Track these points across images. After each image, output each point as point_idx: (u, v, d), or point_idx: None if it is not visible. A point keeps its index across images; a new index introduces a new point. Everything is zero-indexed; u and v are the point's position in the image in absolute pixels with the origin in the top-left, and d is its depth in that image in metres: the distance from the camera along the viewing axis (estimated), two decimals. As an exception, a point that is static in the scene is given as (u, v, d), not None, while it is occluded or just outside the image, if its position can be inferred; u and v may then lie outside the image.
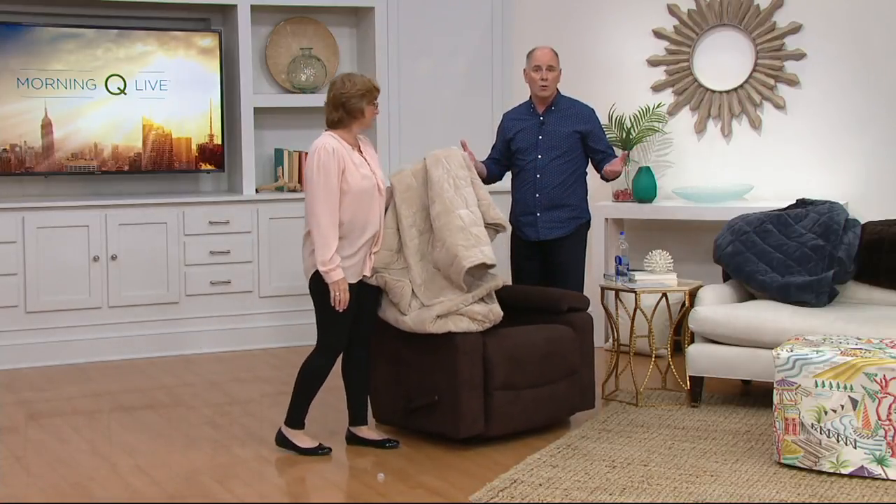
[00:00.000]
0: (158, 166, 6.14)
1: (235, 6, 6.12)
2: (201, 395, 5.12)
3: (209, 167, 6.25)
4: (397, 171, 4.44)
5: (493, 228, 4.38)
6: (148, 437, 4.45)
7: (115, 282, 5.86)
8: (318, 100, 6.39)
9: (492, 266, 4.23)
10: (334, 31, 6.54)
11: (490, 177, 5.01)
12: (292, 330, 6.21)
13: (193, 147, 6.19)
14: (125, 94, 6.01)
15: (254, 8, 6.16)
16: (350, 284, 4.11)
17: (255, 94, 6.24)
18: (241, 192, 6.19)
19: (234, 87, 6.22)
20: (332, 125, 4.20)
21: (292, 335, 6.20)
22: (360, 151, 4.21)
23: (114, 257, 5.85)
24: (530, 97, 5.05)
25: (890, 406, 3.72)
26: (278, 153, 6.39)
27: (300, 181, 6.35)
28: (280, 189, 6.31)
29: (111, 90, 5.99)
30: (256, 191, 6.23)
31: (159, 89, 6.07)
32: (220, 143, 6.22)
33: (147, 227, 5.93)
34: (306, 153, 6.27)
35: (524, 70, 5.01)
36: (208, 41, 6.17)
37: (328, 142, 4.10)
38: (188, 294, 6.02)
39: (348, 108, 4.14)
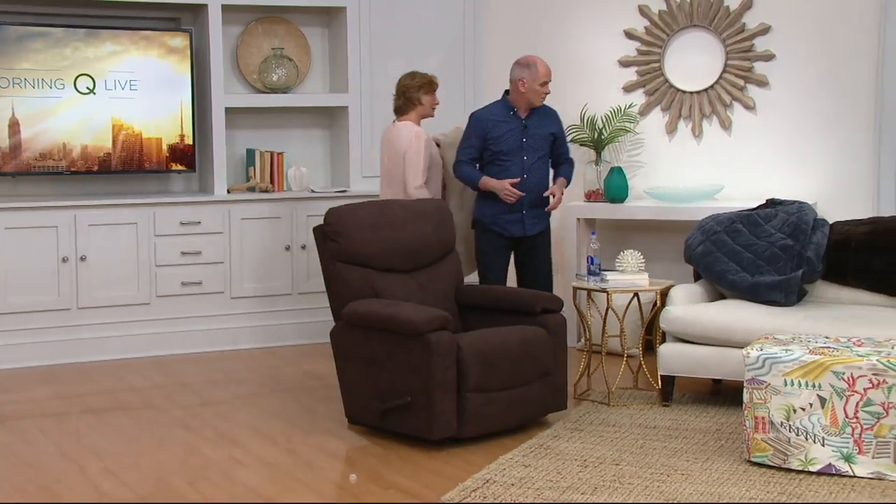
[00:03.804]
0: (128, 167, 6.09)
1: (206, 6, 6.08)
2: (172, 397, 5.08)
3: (180, 167, 6.20)
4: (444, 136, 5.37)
5: None
6: (117, 439, 4.41)
7: (85, 283, 5.81)
8: (290, 100, 6.41)
9: None
10: (306, 30, 6.52)
11: None
12: (264, 331, 6.18)
13: (164, 147, 6.14)
14: (94, 93, 5.96)
15: (225, 8, 6.13)
16: None
17: (226, 94, 6.21)
18: (212, 192, 6.16)
19: (205, 86, 6.19)
20: (397, 111, 5.32)
21: (264, 336, 6.18)
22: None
23: (83, 258, 5.80)
24: (507, 99, 5.07)
25: (857, 404, 3.76)
26: (250, 153, 6.36)
27: (272, 181, 6.33)
28: (252, 189, 6.28)
29: (80, 90, 5.94)
30: (228, 191, 6.20)
31: (129, 89, 6.03)
32: (191, 143, 6.19)
33: (117, 228, 5.88)
34: (279, 153, 6.36)
35: (521, 79, 5.10)
36: (178, 41, 6.13)
37: (419, 132, 5.23)
38: (159, 295, 5.98)
39: (408, 97, 5.25)
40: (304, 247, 6.21)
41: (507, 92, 5.24)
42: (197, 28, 6.25)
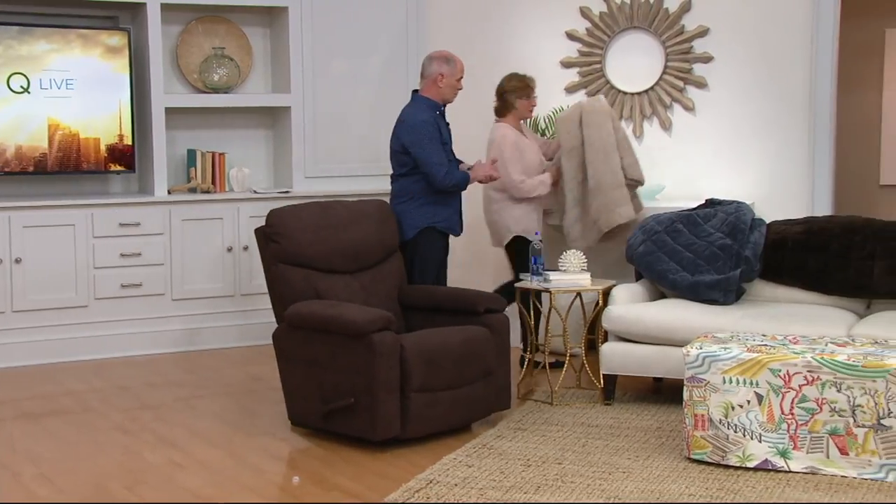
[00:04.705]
0: (65, 167, 5.98)
1: (144, 4, 6.00)
2: (111, 401, 5.00)
3: (119, 168, 6.11)
4: (563, 124, 5.44)
5: (630, 185, 5.40)
6: (54, 444, 4.33)
7: (20, 286, 5.69)
8: (232, 100, 6.35)
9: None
10: (247, 30, 6.46)
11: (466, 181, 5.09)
12: (206, 333, 6.11)
13: (102, 147, 6.04)
14: (29, 92, 5.84)
15: (164, 6, 6.05)
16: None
17: (166, 93, 6.12)
18: (152, 193, 6.08)
19: (144, 86, 6.10)
20: (496, 112, 5.49)
21: (205, 338, 6.11)
22: (524, 134, 5.46)
23: (18, 260, 5.68)
24: (428, 98, 5.01)
25: (792, 401, 3.83)
26: (191, 154, 6.28)
27: (213, 182, 6.27)
28: (193, 190, 6.21)
29: (13, 88, 5.82)
30: (168, 192, 6.12)
31: (65, 88, 5.92)
32: (130, 143, 6.09)
33: (54, 230, 5.77)
34: (220, 154, 6.29)
35: (441, 74, 4.98)
36: (116, 40, 6.03)
37: (509, 133, 5.38)
38: (97, 297, 5.88)
39: (504, 100, 5.42)
40: (246, 248, 6.16)
41: (415, 92, 5.12)
42: (135, 27, 6.16)
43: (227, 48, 6.37)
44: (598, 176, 5.38)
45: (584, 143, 5.40)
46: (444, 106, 5.07)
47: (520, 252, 5.35)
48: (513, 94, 5.43)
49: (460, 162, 5.15)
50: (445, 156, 4.95)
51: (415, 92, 5.12)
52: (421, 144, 4.89)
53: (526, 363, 5.09)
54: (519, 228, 5.45)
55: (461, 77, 5.06)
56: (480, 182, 5.17)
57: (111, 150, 6.06)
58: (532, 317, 4.99)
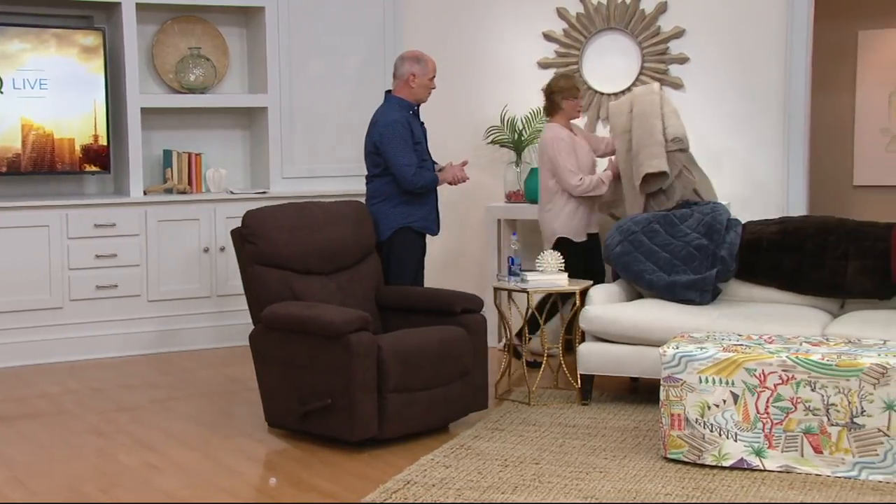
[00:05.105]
0: (39, 168, 5.93)
1: (119, 4, 5.96)
2: (86, 403, 4.97)
3: (94, 168, 6.07)
4: (615, 109, 5.49)
5: (673, 146, 5.32)
6: (27, 447, 4.29)
7: (-6, 287, 5.65)
8: (208, 100, 6.32)
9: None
10: (224, 30, 6.43)
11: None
12: (182, 334, 6.08)
13: (77, 148, 6.00)
14: (2, 92, 5.79)
15: (139, 6, 6.01)
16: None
17: (142, 94, 6.09)
18: (128, 194, 6.04)
19: (119, 86, 6.06)
20: (545, 112, 5.55)
21: (182, 340, 6.08)
22: (574, 133, 5.46)
23: (-8, 262, 5.64)
24: (401, 98, 5.00)
25: (768, 400, 3.85)
26: (167, 154, 6.25)
27: (190, 183, 6.24)
28: (169, 191, 6.17)
29: (-13, 88, 5.78)
30: (144, 193, 6.08)
31: (39, 88, 5.87)
32: (105, 143, 6.05)
33: (28, 231, 5.72)
34: (197, 154, 6.26)
35: (413, 74, 4.98)
36: (91, 39, 5.99)
37: (560, 133, 5.38)
38: (72, 299, 5.84)
39: (552, 100, 5.43)
40: (223, 249, 6.13)
41: (388, 92, 5.11)
42: (110, 27, 6.12)
43: (203, 48, 6.34)
44: (637, 140, 5.31)
45: (632, 121, 5.38)
46: (418, 106, 5.07)
47: (566, 254, 5.18)
48: (559, 95, 5.41)
49: (435, 163, 5.15)
50: (416, 156, 4.93)
51: (388, 92, 5.11)
52: (390, 144, 4.89)
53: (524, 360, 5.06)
54: (564, 230, 5.41)
55: (433, 76, 5.05)
56: (450, 184, 5.15)
57: (86, 150, 6.02)
58: (543, 318, 5.01)
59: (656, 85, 5.62)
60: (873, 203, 7.24)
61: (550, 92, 5.46)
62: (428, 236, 5.11)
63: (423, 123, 5.10)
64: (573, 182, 5.33)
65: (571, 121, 5.53)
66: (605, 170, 5.48)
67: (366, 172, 5.10)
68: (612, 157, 5.56)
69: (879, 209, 6.94)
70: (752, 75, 5.86)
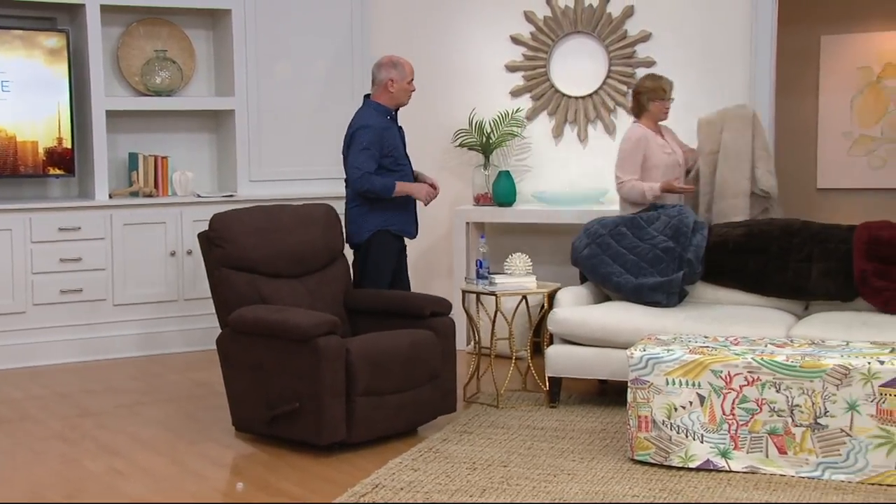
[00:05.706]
0: (2, 171, 5.86)
1: (83, 5, 5.90)
2: (50, 408, 4.91)
3: (58, 172, 6.00)
4: (705, 128, 5.46)
5: (760, 195, 5.35)
6: (-9, 454, 4.24)
7: (-44, 292, 5.58)
8: (175, 103, 6.27)
9: None
10: (190, 32, 6.39)
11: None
12: (148, 339, 6.04)
13: (40, 151, 5.93)
14: (-36, 94, 5.73)
15: (104, 8, 5.96)
16: None
17: (107, 96, 6.03)
18: (93, 197, 5.98)
19: (84, 89, 6.00)
20: (633, 113, 5.40)
21: (148, 344, 6.03)
22: (662, 135, 5.33)
23: (-46, 266, 5.56)
24: (379, 103, 4.99)
25: (733, 401, 3.89)
26: (133, 157, 6.20)
27: (156, 186, 6.19)
28: (135, 194, 6.12)
29: (-51, 90, 5.70)
30: (110, 196, 6.03)
31: (1, 91, 5.80)
32: (69, 146, 5.99)
33: (-10, 234, 5.66)
34: (163, 157, 6.21)
35: (391, 80, 4.96)
36: (54, 41, 5.93)
37: (636, 132, 5.27)
38: (36, 303, 5.77)
39: (638, 101, 5.32)
40: (189, 252, 6.09)
41: (367, 96, 5.09)
42: (74, 28, 6.06)
43: (169, 51, 6.29)
44: (723, 181, 5.31)
45: (721, 148, 5.35)
46: (396, 111, 5.06)
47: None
48: (645, 96, 5.28)
49: (416, 172, 5.14)
50: (374, 164, 4.87)
51: (366, 97, 5.11)
52: (352, 146, 4.91)
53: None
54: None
55: (411, 79, 5.04)
56: (424, 204, 5.10)
57: (50, 153, 5.96)
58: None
59: (748, 107, 5.50)
60: (837, 205, 7.33)
61: (637, 93, 5.33)
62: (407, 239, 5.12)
63: (401, 128, 5.09)
64: (619, 179, 5.25)
65: (659, 122, 5.36)
66: (657, 184, 5.21)
67: (335, 175, 5.08)
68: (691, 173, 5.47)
69: (843, 212, 7.03)
70: (718, 79, 5.91)
